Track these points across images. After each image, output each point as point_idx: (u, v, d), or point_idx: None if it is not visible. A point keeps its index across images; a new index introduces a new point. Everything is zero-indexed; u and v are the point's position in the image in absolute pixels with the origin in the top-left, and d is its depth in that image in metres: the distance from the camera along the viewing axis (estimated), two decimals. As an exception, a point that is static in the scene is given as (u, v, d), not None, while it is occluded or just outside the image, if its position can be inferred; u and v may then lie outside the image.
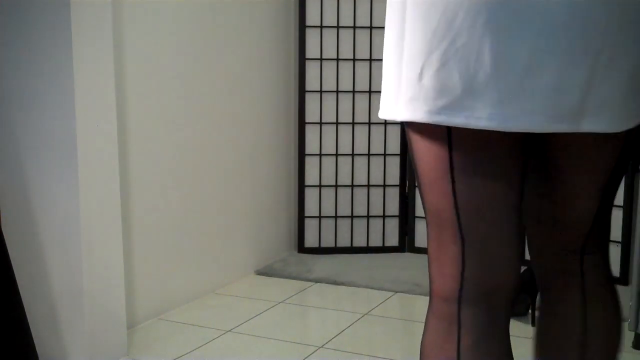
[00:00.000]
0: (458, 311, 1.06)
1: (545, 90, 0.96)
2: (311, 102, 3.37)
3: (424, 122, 1.00)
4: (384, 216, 3.46)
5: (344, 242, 3.46)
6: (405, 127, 1.09)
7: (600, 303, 1.23)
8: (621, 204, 2.87)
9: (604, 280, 1.24)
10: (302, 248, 3.45)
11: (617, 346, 1.25)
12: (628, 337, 2.37)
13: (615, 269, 2.91)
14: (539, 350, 1.30)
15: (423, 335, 1.11)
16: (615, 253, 2.91)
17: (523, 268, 2.34)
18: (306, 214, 3.43)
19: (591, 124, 0.99)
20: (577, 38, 0.95)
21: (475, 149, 1.02)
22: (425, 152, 1.05)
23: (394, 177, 3.45)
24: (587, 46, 0.95)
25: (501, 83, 0.95)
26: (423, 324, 1.14)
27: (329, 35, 3.35)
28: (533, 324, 2.49)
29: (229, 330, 2.49)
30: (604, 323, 1.23)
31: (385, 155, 3.43)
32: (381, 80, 1.11)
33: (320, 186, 3.42)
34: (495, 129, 0.97)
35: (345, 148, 3.41)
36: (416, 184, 1.19)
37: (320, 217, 3.43)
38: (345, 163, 3.43)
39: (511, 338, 1.14)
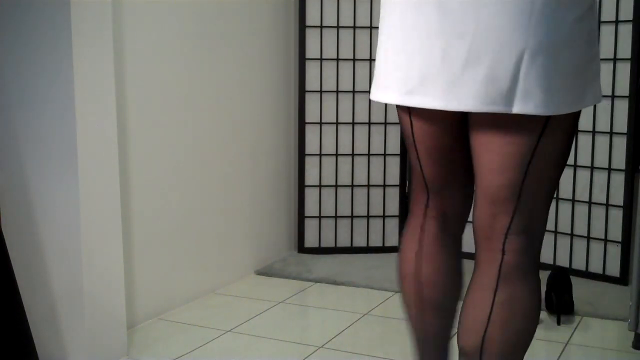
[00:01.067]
0: (425, 209, 1.57)
1: (481, 80, 1.27)
2: (311, 102, 3.37)
3: (394, 103, 1.41)
4: (384, 216, 3.47)
5: (344, 242, 3.46)
6: (397, 108, 1.51)
7: (513, 281, 1.39)
8: (621, 204, 2.87)
9: (522, 263, 1.40)
10: (302, 248, 3.45)
11: (520, 326, 1.41)
12: (628, 337, 2.37)
13: (615, 269, 2.91)
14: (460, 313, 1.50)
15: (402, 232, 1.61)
16: (615, 253, 2.91)
17: (546, 272, 2.36)
18: (306, 214, 3.43)
19: (520, 107, 1.27)
20: (505, 39, 1.25)
21: (428, 123, 1.45)
22: (403, 126, 1.51)
23: (394, 177, 3.45)
24: (513, 47, 1.25)
25: (446, 74, 1.29)
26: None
27: (329, 35, 3.35)
28: (559, 323, 2.49)
29: (229, 330, 2.49)
30: (510, 299, 1.39)
31: (385, 155, 3.43)
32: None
33: (320, 186, 3.42)
34: (442, 109, 1.31)
35: (345, 148, 3.41)
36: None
37: (320, 217, 3.43)
38: (345, 163, 3.43)
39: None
